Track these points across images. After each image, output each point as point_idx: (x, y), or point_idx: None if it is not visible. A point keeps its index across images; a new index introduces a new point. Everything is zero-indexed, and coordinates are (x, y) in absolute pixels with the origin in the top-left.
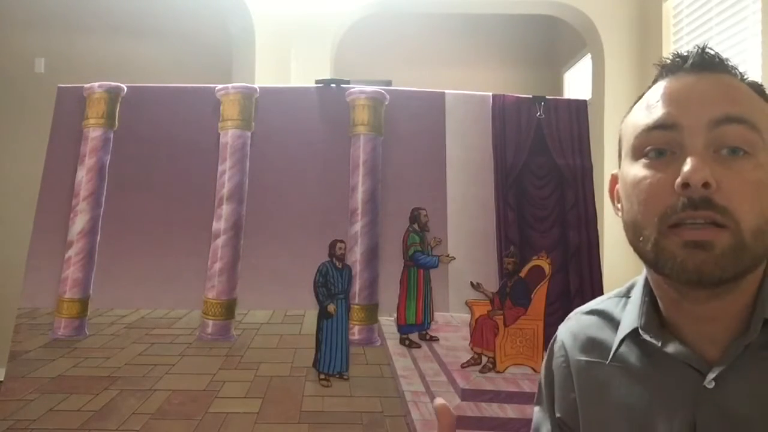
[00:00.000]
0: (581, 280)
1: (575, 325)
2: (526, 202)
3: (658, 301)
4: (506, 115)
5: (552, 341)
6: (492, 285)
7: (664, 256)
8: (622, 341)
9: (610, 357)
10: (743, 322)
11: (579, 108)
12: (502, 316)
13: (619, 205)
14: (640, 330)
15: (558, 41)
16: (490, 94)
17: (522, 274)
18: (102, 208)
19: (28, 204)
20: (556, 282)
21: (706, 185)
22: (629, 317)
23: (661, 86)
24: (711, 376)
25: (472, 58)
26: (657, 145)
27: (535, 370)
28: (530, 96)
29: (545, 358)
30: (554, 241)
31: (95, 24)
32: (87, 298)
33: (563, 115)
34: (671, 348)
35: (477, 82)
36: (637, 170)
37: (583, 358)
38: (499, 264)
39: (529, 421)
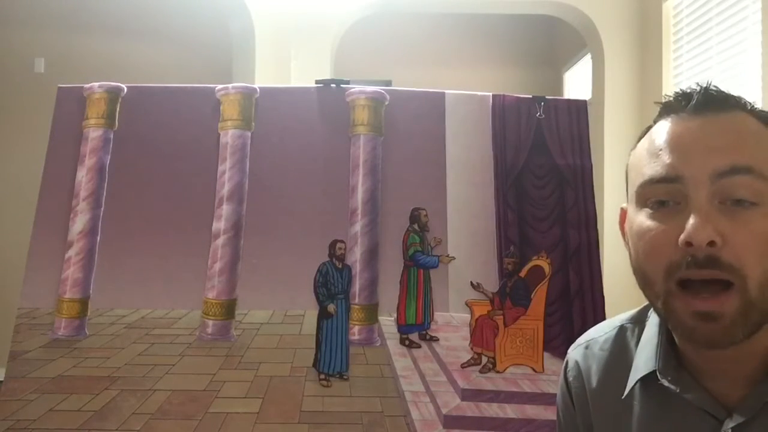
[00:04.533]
0: (581, 280)
1: (590, 355)
2: (526, 202)
3: (676, 340)
4: (506, 116)
5: (564, 369)
6: (492, 285)
7: (674, 321)
8: (637, 381)
9: (625, 394)
10: (764, 363)
11: (579, 108)
12: (502, 316)
13: (628, 243)
14: (657, 374)
15: (558, 41)
16: (490, 94)
17: (522, 274)
18: (102, 208)
19: (28, 204)
20: (556, 282)
21: (711, 244)
22: (644, 355)
23: (664, 129)
24: (729, 425)
25: (472, 58)
26: (660, 197)
27: (535, 370)
28: (530, 96)
29: (560, 388)
30: (554, 241)
31: (95, 24)
32: (87, 298)
33: (563, 115)
34: (689, 395)
35: (477, 82)
36: (642, 219)
37: (599, 390)
38: (499, 264)
39: (530, 421)
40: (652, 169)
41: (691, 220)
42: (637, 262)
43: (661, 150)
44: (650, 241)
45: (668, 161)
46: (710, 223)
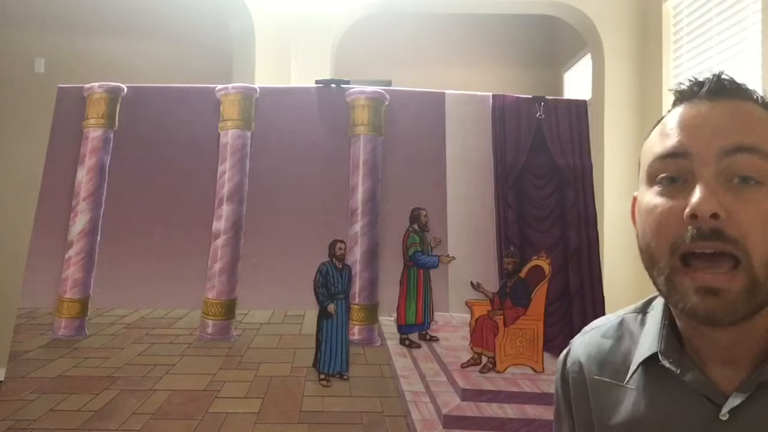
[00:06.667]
0: (581, 280)
1: (592, 342)
2: (526, 202)
3: (678, 325)
4: (506, 116)
5: (564, 356)
6: (492, 285)
7: (676, 296)
8: (639, 364)
9: (627, 379)
10: (765, 346)
11: (579, 108)
12: (502, 316)
13: (636, 226)
14: (659, 356)
15: (558, 41)
16: (490, 94)
17: (522, 274)
18: (102, 208)
19: (28, 204)
20: (556, 282)
21: (715, 216)
22: (647, 340)
23: (676, 113)
24: (726, 409)
25: (472, 58)
26: (669, 172)
27: (535, 370)
28: (530, 96)
29: (558, 375)
30: (554, 241)
31: (95, 24)
32: (87, 298)
33: (563, 115)
34: (689, 377)
35: (477, 82)
36: (651, 197)
37: (599, 377)
38: (499, 264)
39: (530, 421)
40: (661, 146)
41: (696, 194)
42: (643, 240)
43: (671, 130)
44: (657, 216)
45: (677, 138)
46: (715, 196)
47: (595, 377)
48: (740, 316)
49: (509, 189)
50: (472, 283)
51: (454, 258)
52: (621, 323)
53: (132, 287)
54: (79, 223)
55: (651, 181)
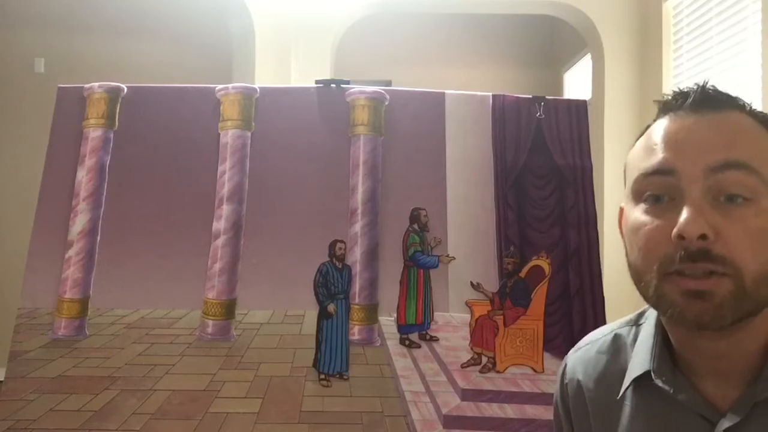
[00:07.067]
0: (581, 280)
1: (588, 359)
2: (526, 202)
3: (670, 337)
4: (506, 116)
5: (561, 374)
6: (492, 285)
7: (664, 304)
8: (632, 381)
9: (620, 395)
10: (759, 360)
11: (579, 108)
12: (502, 316)
13: (625, 240)
14: (652, 374)
15: (558, 41)
16: (490, 94)
17: (522, 274)
18: (102, 208)
19: (28, 204)
20: (556, 282)
21: (702, 237)
22: (640, 356)
23: (661, 126)
24: (720, 428)
25: (472, 58)
26: (655, 191)
27: (535, 370)
28: (530, 96)
29: (557, 392)
30: (554, 241)
31: (95, 24)
32: (87, 298)
33: (563, 115)
34: (683, 396)
35: (477, 82)
36: (637, 215)
37: (597, 394)
38: (499, 264)
39: (530, 421)
40: (647, 163)
41: (684, 214)
42: (631, 257)
43: (656, 145)
44: (644, 235)
45: (662, 155)
46: (702, 216)
47: (593, 394)
48: (728, 321)
49: (509, 189)
50: (472, 283)
51: (454, 258)
52: (615, 338)
53: (132, 287)
54: (79, 223)
55: (637, 197)
